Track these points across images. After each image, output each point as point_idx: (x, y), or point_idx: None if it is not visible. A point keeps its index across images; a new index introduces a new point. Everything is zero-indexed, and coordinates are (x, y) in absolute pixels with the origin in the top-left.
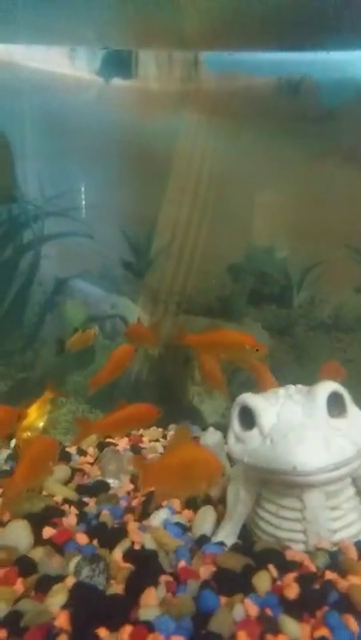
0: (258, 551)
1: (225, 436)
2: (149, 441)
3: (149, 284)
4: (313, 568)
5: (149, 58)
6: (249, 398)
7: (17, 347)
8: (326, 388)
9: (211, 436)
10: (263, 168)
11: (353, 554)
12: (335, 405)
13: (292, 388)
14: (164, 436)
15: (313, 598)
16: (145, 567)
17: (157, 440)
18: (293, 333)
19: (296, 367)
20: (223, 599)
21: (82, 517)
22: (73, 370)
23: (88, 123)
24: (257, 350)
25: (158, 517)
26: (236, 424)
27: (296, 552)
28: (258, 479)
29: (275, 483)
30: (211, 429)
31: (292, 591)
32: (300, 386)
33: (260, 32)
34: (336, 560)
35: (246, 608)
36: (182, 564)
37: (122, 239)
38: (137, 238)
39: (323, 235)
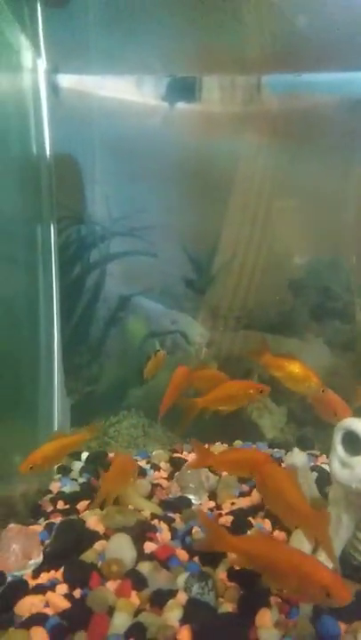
0: None
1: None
2: None
3: (210, 300)
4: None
5: (213, 82)
6: (354, 423)
7: (84, 361)
8: None
9: (297, 457)
10: (325, 185)
11: None
12: None
13: None
14: None
15: None
16: (252, 587)
17: None
18: (356, 349)
19: (359, 383)
20: (342, 625)
21: (173, 533)
22: (134, 384)
23: (153, 147)
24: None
25: None
26: (340, 449)
27: None
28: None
29: None
30: (296, 450)
31: None
32: None
33: (321, 54)
34: None
35: None
36: None
37: (184, 258)
38: (199, 256)
39: None
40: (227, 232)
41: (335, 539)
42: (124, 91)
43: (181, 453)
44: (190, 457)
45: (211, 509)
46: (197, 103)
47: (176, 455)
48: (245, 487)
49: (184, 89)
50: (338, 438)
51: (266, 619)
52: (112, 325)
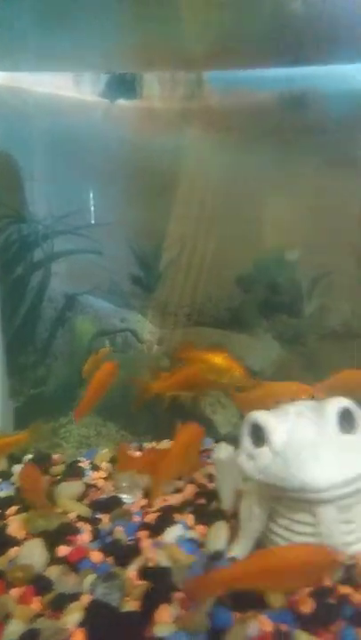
0: None
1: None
2: None
3: (158, 297)
4: (327, 582)
5: (153, 78)
6: (259, 416)
7: (29, 362)
8: (337, 404)
9: (223, 451)
10: (271, 180)
11: None
12: (346, 421)
13: (301, 404)
14: None
15: (328, 613)
16: (159, 584)
17: None
18: (304, 342)
19: (308, 376)
20: (238, 615)
21: (96, 534)
22: (84, 383)
23: (95, 144)
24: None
25: (172, 533)
26: (247, 441)
27: None
28: (271, 495)
29: (287, 499)
30: (223, 444)
31: (308, 606)
32: (309, 402)
33: (262, 49)
34: (351, 574)
35: (261, 624)
36: None
37: (130, 255)
38: (145, 254)
39: (332, 244)
40: (173, 228)
41: (247, 530)
42: (63, 87)
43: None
44: (138, 455)
45: (142, 507)
46: (138, 99)
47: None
48: (180, 483)
49: (124, 85)
50: (245, 431)
51: (165, 614)
52: (59, 325)
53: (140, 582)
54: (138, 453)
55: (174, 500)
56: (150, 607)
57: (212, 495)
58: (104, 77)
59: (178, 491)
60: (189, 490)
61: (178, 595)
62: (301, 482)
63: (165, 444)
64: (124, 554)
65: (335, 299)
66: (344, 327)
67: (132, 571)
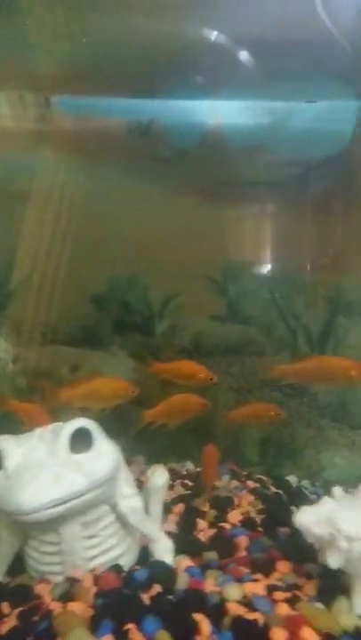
0: (10, 587)
1: None
2: None
3: (12, 315)
4: (48, 599)
5: (2, 99)
6: (0, 440)
7: None
8: (72, 425)
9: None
10: (122, 203)
11: (88, 582)
12: (80, 441)
13: (49, 427)
14: None
15: (22, 630)
16: None
17: None
18: (158, 360)
19: (162, 392)
20: None
21: None
22: None
23: None
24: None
25: None
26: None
27: (41, 585)
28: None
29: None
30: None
31: (9, 625)
32: (57, 424)
33: (112, 79)
34: (73, 589)
35: None
36: None
37: None
38: None
39: (181, 266)
40: (23, 247)
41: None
42: None
43: None
44: None
45: None
46: None
47: None
48: None
49: None
50: None
51: None
52: None
53: None
54: None
55: None
56: None
57: None
58: None
59: None
60: None
61: None
62: (15, 504)
63: None
64: None
65: (184, 318)
66: (193, 345)
67: None
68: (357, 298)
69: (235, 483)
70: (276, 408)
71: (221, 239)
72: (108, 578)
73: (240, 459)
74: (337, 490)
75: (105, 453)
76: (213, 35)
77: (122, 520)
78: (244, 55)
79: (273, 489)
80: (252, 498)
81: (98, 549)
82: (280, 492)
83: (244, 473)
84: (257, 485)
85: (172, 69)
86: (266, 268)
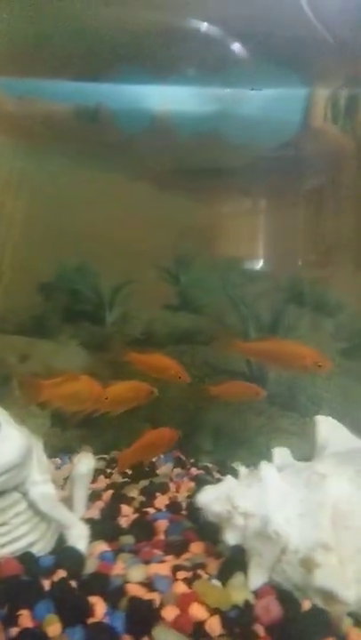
0: None
1: None
2: None
3: None
4: None
5: None
6: None
7: None
8: None
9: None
10: (71, 189)
11: None
12: None
13: None
14: None
15: None
16: None
17: None
18: (109, 349)
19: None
20: None
21: None
22: None
23: None
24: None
25: None
26: None
27: None
28: None
29: None
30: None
31: None
32: None
33: (57, 62)
34: None
35: None
36: None
37: None
38: None
39: (132, 254)
40: None
41: None
42: None
43: None
44: None
45: None
46: None
47: None
48: None
49: None
50: None
51: None
52: None
53: None
54: None
55: None
56: None
57: None
58: None
59: None
60: None
61: None
62: None
63: None
64: None
65: (136, 307)
66: (145, 334)
67: None
68: (310, 288)
69: (178, 470)
70: (257, 388)
71: (173, 227)
72: (7, 565)
73: (194, 448)
74: (242, 469)
75: (11, 439)
76: (161, 20)
77: (34, 507)
78: (191, 41)
79: (218, 476)
80: (192, 484)
81: (7, 537)
82: (223, 478)
83: (191, 461)
84: (200, 472)
85: (120, 53)
86: (218, 257)
